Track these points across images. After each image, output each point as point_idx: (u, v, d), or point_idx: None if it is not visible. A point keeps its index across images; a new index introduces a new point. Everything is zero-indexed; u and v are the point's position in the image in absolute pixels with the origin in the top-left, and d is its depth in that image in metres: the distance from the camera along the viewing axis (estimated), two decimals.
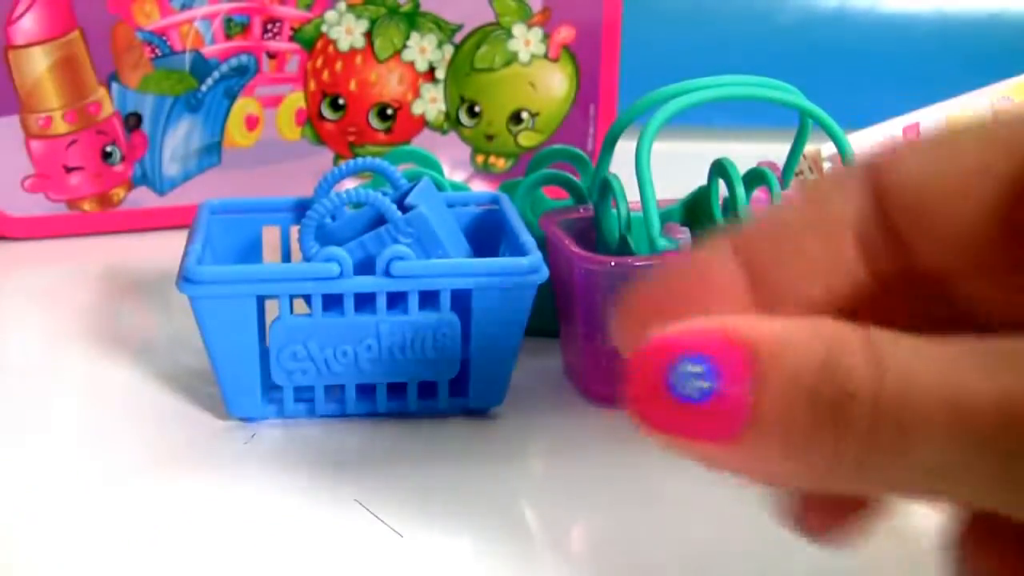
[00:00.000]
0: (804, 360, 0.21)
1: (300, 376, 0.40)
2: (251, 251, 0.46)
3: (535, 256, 0.40)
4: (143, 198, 0.62)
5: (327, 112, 0.64)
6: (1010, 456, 0.20)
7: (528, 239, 0.42)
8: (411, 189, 0.43)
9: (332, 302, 0.40)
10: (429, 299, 0.40)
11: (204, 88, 0.62)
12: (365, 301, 0.40)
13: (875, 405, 0.21)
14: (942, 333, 0.24)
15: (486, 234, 0.46)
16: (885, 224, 0.26)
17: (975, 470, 0.20)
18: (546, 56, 0.65)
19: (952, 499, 0.22)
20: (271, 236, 0.46)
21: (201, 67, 0.61)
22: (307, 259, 0.41)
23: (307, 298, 0.40)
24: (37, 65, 0.59)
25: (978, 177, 0.24)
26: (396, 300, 0.40)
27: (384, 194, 0.43)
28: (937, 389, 0.21)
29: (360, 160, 0.44)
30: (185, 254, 0.40)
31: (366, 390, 0.41)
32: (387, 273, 0.39)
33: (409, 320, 0.40)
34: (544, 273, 0.40)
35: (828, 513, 0.26)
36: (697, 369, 0.21)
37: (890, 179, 0.25)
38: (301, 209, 0.46)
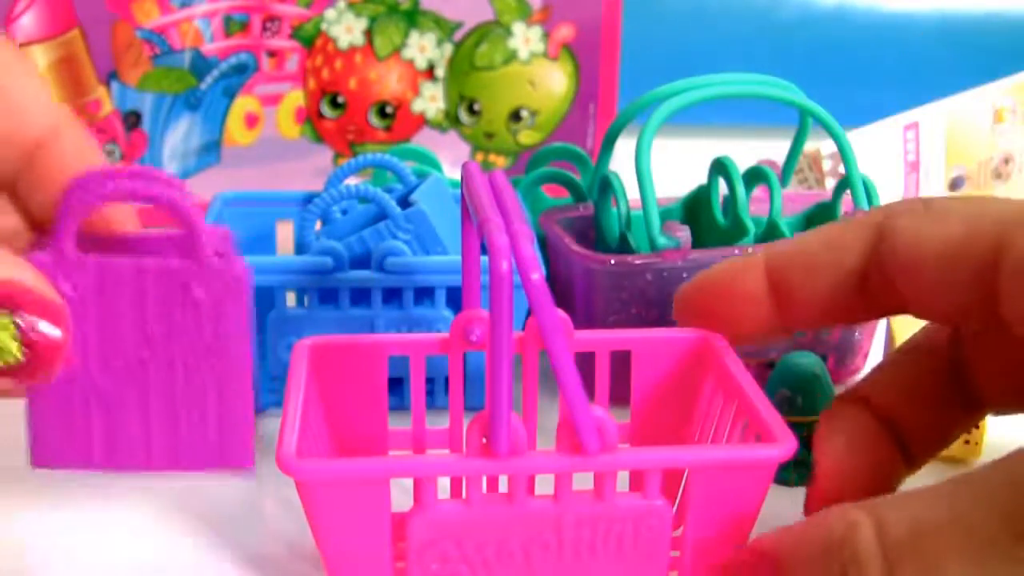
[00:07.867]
0: (810, 550, 0.25)
1: None
2: (264, 242, 0.46)
3: None
4: None
5: (326, 110, 0.64)
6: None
7: None
8: (418, 186, 0.43)
9: (328, 296, 0.40)
10: (426, 296, 0.40)
11: (204, 86, 0.62)
12: (362, 296, 0.40)
13: (885, 556, 0.24)
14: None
15: None
16: (881, 268, 0.29)
17: None
18: (546, 54, 0.65)
19: None
20: (286, 229, 0.46)
21: (201, 65, 0.61)
22: (306, 251, 0.41)
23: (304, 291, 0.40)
24: (37, 63, 0.59)
25: (962, 246, 0.27)
26: (392, 296, 0.40)
27: (391, 190, 0.43)
28: (947, 523, 0.24)
29: (372, 155, 0.44)
30: None
31: None
32: (381, 268, 0.39)
33: None
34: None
35: None
36: None
37: (889, 230, 0.29)
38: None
